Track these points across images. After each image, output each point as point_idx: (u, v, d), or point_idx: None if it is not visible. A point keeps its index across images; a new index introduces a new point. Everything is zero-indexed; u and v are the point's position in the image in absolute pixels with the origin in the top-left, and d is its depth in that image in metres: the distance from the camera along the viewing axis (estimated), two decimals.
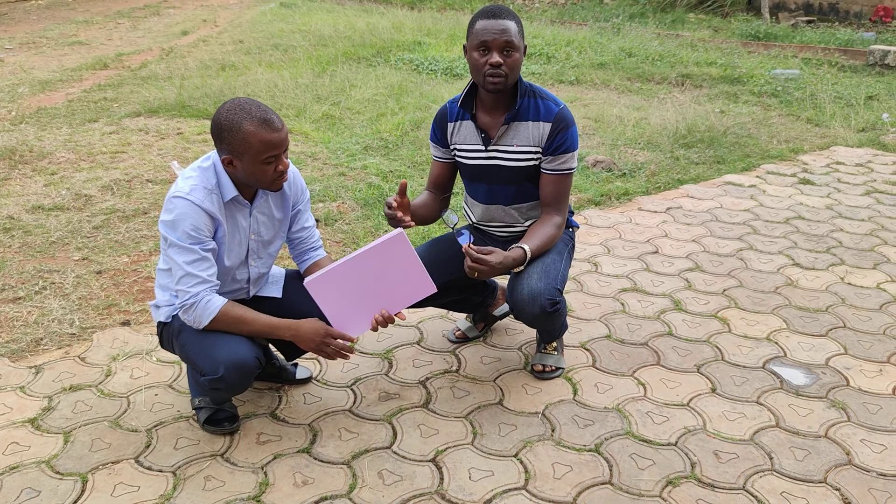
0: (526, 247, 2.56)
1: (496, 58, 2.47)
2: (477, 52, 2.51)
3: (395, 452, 2.41)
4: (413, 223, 2.51)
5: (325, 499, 2.20)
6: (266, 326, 2.35)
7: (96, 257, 3.86)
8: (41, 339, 3.08)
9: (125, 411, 2.61)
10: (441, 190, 2.85)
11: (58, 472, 2.30)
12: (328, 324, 2.37)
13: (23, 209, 4.45)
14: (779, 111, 6.97)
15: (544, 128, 2.61)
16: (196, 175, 2.32)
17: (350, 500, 2.20)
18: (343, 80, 7.80)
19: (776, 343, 3.07)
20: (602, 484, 2.28)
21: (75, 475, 2.29)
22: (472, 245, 2.42)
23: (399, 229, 2.31)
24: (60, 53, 10.68)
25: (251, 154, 2.21)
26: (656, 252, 3.95)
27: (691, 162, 5.44)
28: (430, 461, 2.37)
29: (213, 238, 2.33)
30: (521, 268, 2.57)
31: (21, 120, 6.62)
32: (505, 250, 2.73)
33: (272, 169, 2.24)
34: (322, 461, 2.37)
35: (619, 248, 3.98)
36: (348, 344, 2.38)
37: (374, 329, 2.39)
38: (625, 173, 5.16)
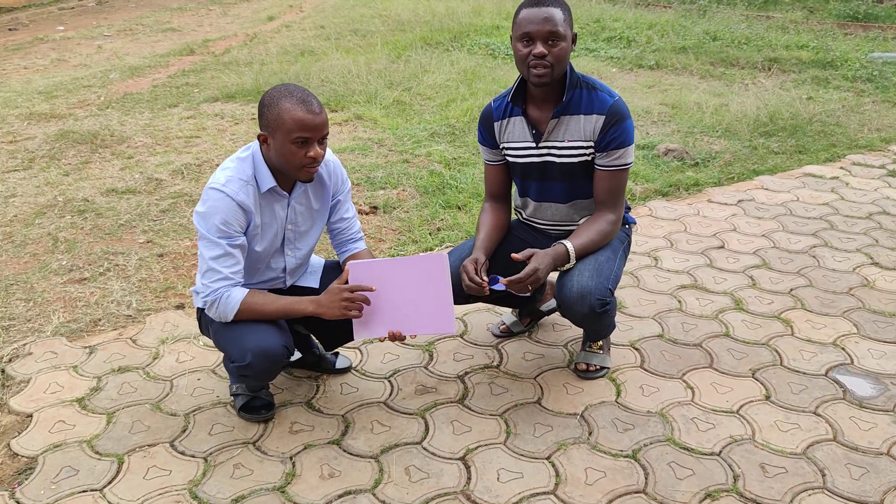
0: (568, 244, 2.46)
1: (540, 48, 2.37)
2: (521, 43, 2.42)
3: (424, 448, 2.37)
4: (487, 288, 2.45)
5: (349, 493, 2.19)
6: (289, 306, 2.33)
7: (160, 240, 3.97)
8: (99, 320, 3.18)
9: (167, 395, 2.66)
10: (502, 199, 2.74)
11: (97, 452, 2.37)
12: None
13: (98, 192, 4.62)
14: (873, 97, 6.54)
15: (597, 121, 2.50)
16: (233, 166, 2.33)
17: (374, 495, 2.18)
18: (417, 65, 7.78)
19: (843, 349, 2.87)
20: (635, 493, 2.17)
21: (112, 456, 2.35)
22: (505, 280, 2.38)
23: (444, 253, 2.30)
24: (154, 40, 11.07)
25: (283, 131, 2.20)
26: (722, 247, 3.76)
27: (770, 151, 5.16)
28: (459, 459, 2.32)
29: (246, 231, 2.34)
30: (570, 265, 2.48)
31: (108, 105, 6.88)
32: (554, 237, 2.66)
33: (302, 153, 2.22)
34: (351, 454, 2.36)
35: (682, 242, 3.81)
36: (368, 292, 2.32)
37: (383, 340, 2.37)
38: (697, 163, 4.94)
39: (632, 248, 3.68)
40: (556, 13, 2.37)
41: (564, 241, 2.48)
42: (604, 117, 2.48)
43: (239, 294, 2.28)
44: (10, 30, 12.41)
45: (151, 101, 6.96)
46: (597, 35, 9.06)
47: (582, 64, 7.90)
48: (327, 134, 2.29)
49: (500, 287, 2.40)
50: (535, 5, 2.38)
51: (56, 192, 4.61)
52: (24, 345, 2.96)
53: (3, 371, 2.80)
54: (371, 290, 2.31)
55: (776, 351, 2.86)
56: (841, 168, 4.88)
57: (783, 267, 3.54)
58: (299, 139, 2.21)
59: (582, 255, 2.50)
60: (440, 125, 5.88)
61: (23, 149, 5.48)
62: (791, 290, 3.32)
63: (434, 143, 5.46)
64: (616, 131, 2.49)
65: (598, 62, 8.05)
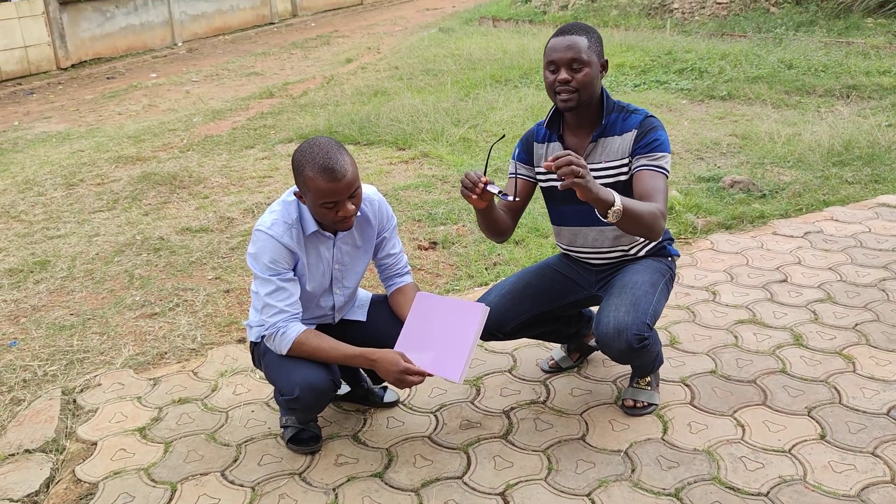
0: (616, 196, 2.24)
1: (563, 75, 2.44)
2: (548, 71, 2.50)
3: (465, 483, 2.39)
4: (481, 201, 2.38)
5: None
6: (342, 356, 2.41)
7: (227, 277, 4.14)
8: (165, 353, 3.34)
9: (222, 426, 2.77)
10: (514, 212, 2.71)
11: (153, 480, 2.48)
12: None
13: (173, 231, 4.86)
14: None
15: (631, 136, 2.53)
16: (279, 210, 2.44)
17: None
18: (484, 102, 7.88)
19: None
20: None
21: (167, 484, 2.46)
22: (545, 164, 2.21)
23: (485, 306, 2.37)
24: (238, 84, 11.58)
25: (311, 196, 2.31)
26: (784, 280, 3.65)
27: (843, 181, 4.99)
28: (498, 494, 2.33)
29: (294, 268, 2.44)
30: (615, 208, 2.21)
31: (189, 147, 7.24)
32: (596, 270, 2.67)
33: (332, 213, 2.32)
34: (392, 487, 2.40)
35: (743, 276, 3.72)
36: (423, 378, 2.37)
37: None
38: (764, 194, 4.82)
39: (689, 283, 3.64)
40: (580, 40, 2.43)
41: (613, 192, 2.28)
42: (636, 130, 2.52)
43: (294, 332, 2.37)
44: (108, 78, 13.22)
45: (230, 143, 7.28)
46: (668, 67, 8.97)
47: (651, 96, 7.84)
48: (357, 188, 2.35)
49: (494, 189, 2.33)
50: (561, 34, 2.47)
51: (135, 231, 4.87)
52: (95, 376, 3.14)
53: (74, 401, 2.97)
54: (425, 375, 2.36)
55: (835, 388, 2.76)
56: None
57: (849, 301, 3.41)
58: (327, 204, 2.30)
59: (627, 213, 2.24)
60: (504, 161, 5.93)
61: (108, 190, 5.82)
62: (856, 324, 3.20)
63: (498, 179, 5.51)
64: (650, 137, 2.50)
65: (669, 94, 7.97)
